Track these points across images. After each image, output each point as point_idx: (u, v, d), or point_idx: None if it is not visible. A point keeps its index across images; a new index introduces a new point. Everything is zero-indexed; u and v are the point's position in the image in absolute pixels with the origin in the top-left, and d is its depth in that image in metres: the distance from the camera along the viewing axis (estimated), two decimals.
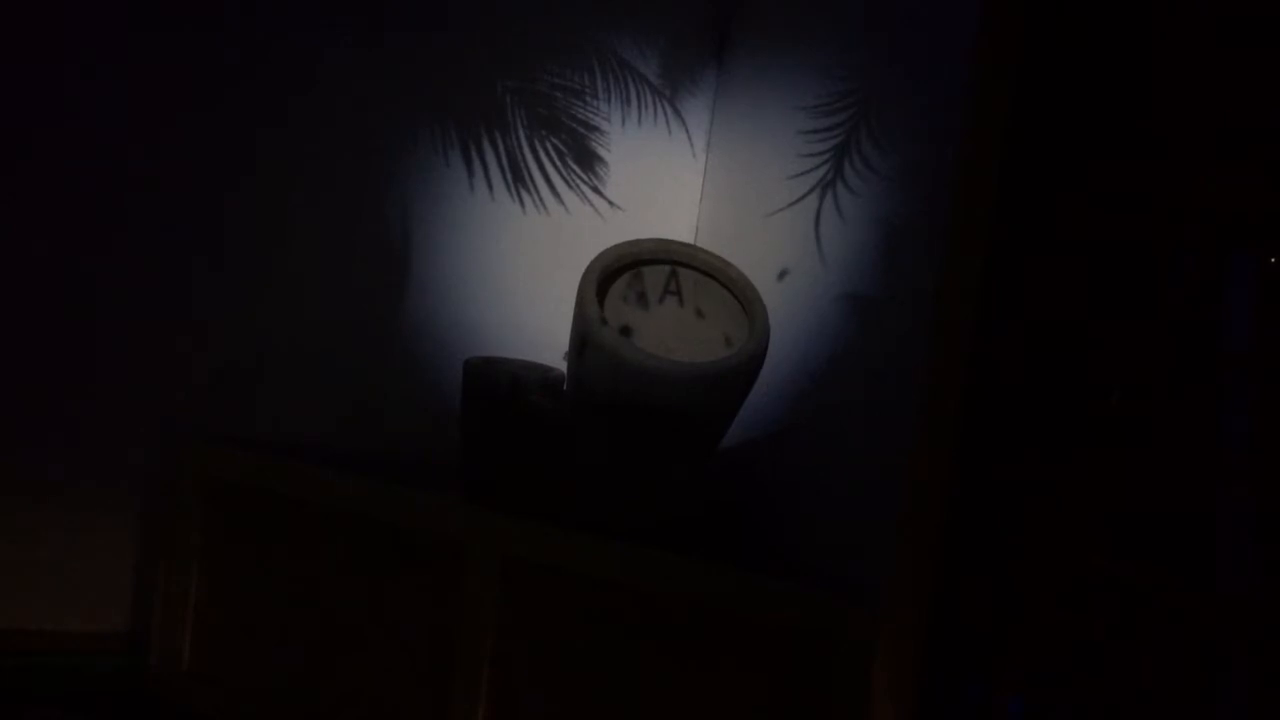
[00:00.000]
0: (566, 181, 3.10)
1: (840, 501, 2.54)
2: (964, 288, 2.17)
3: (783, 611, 2.20)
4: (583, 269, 2.59)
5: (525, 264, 3.07)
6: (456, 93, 2.98)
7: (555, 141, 3.09)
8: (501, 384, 2.57)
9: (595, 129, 3.13)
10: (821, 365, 2.68)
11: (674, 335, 2.64)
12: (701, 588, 2.25)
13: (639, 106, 3.17)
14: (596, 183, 3.14)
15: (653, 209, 3.17)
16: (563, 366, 2.73)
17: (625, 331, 2.60)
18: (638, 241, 2.69)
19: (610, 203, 3.14)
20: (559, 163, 3.10)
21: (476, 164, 3.01)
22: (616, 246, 2.66)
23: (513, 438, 2.53)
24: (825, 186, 2.76)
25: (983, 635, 2.21)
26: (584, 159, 3.12)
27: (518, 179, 3.05)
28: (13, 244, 2.62)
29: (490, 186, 3.03)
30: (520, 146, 3.05)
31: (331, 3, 2.86)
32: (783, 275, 2.75)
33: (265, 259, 2.84)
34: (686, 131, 3.23)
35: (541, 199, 3.08)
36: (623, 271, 2.66)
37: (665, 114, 3.20)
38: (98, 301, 2.70)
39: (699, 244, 3.05)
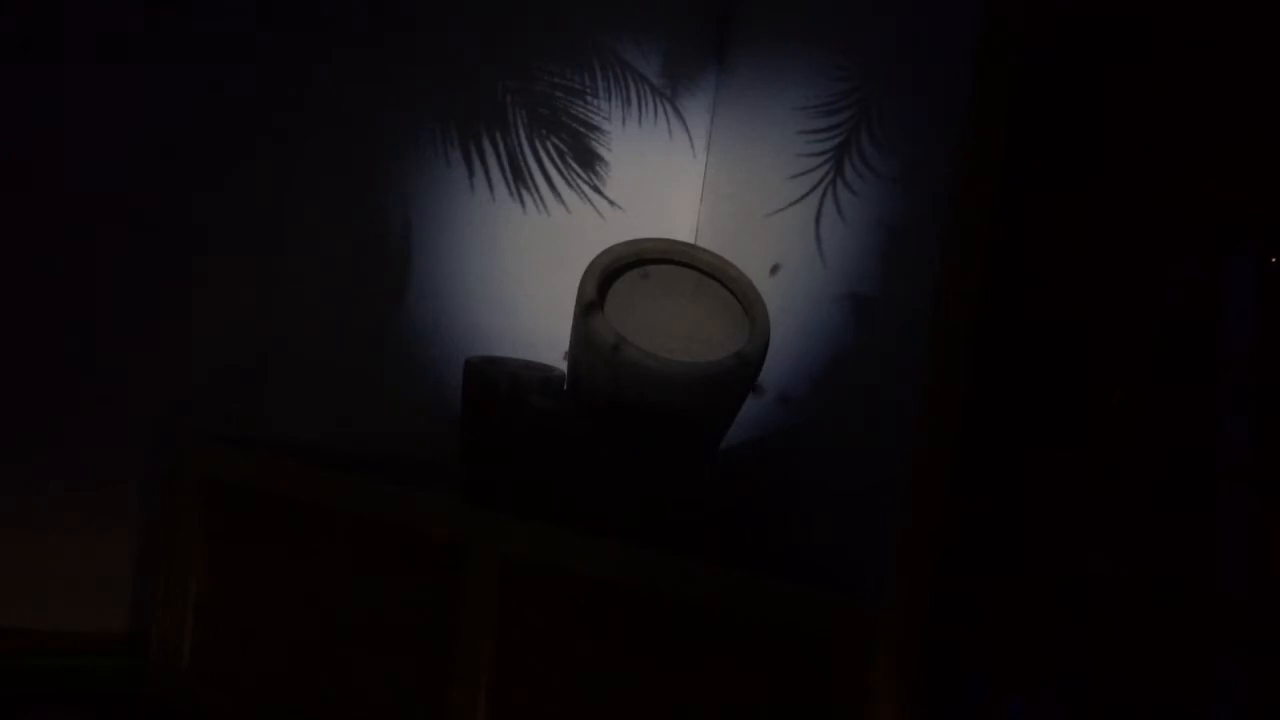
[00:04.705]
0: (567, 181, 3.11)
1: (840, 502, 2.54)
2: (964, 288, 2.18)
3: (783, 611, 2.20)
4: (583, 269, 2.59)
5: (526, 264, 3.07)
6: (456, 93, 2.99)
7: (556, 141, 3.09)
8: (501, 384, 2.57)
9: (595, 129, 3.13)
10: (821, 365, 2.68)
11: (674, 335, 2.64)
12: (702, 588, 2.25)
13: (639, 106, 3.17)
14: (597, 182, 3.14)
15: (653, 209, 3.17)
16: (563, 366, 2.72)
17: (624, 331, 2.59)
18: (638, 241, 2.69)
19: (610, 202, 3.15)
20: (559, 163, 3.10)
21: (477, 164, 3.01)
22: (617, 246, 2.65)
23: (513, 438, 2.53)
24: (825, 186, 2.75)
25: (982, 635, 2.21)
26: (584, 159, 3.12)
27: (518, 179, 3.05)
28: (13, 244, 2.62)
29: (491, 186, 3.03)
30: (521, 146, 3.05)
31: (331, 3, 2.86)
32: (775, 270, 2.74)
33: (265, 259, 2.84)
34: (687, 131, 3.23)
35: (542, 199, 3.08)
36: (623, 271, 2.65)
37: (665, 114, 3.20)
38: (98, 301, 2.70)
39: (699, 244, 3.04)
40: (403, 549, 2.47)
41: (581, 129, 3.12)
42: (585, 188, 3.13)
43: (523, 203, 3.07)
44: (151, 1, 2.71)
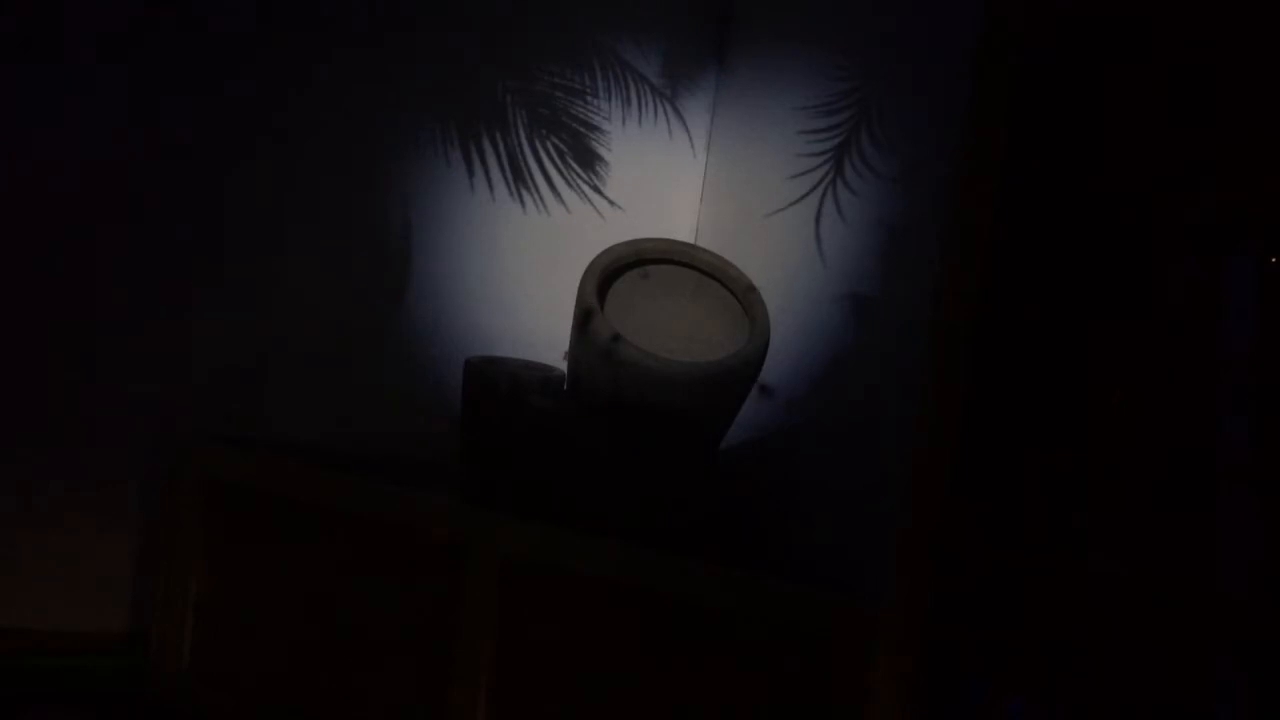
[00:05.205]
0: (567, 181, 3.10)
1: (840, 502, 2.54)
2: (964, 288, 2.18)
3: (783, 611, 2.20)
4: (583, 269, 2.59)
5: (526, 264, 3.07)
6: (456, 93, 2.99)
7: (556, 141, 3.09)
8: (501, 384, 2.57)
9: (595, 129, 3.13)
10: (821, 365, 2.68)
11: (674, 335, 2.64)
12: (702, 588, 2.25)
13: (639, 106, 3.17)
14: (597, 182, 3.14)
15: (653, 209, 3.17)
16: (563, 366, 2.72)
17: (624, 331, 2.60)
18: (638, 241, 2.69)
19: (610, 202, 3.14)
20: (559, 162, 3.10)
21: (477, 164, 3.01)
22: (617, 246, 2.65)
23: (513, 438, 2.53)
24: (825, 186, 2.75)
25: (982, 636, 2.21)
26: (584, 159, 3.12)
27: (518, 179, 3.05)
28: (13, 244, 2.62)
29: (491, 186, 3.03)
30: (521, 146, 3.05)
31: (331, 3, 2.86)
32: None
33: (265, 260, 2.84)
34: (687, 131, 3.23)
35: (542, 199, 3.08)
36: (623, 271, 2.65)
37: (665, 114, 3.20)
38: (98, 301, 2.70)
39: (699, 244, 3.04)
40: (403, 549, 2.46)
41: (581, 129, 3.12)
42: (585, 188, 3.13)
43: (523, 203, 3.06)
44: (151, 1, 2.71)
